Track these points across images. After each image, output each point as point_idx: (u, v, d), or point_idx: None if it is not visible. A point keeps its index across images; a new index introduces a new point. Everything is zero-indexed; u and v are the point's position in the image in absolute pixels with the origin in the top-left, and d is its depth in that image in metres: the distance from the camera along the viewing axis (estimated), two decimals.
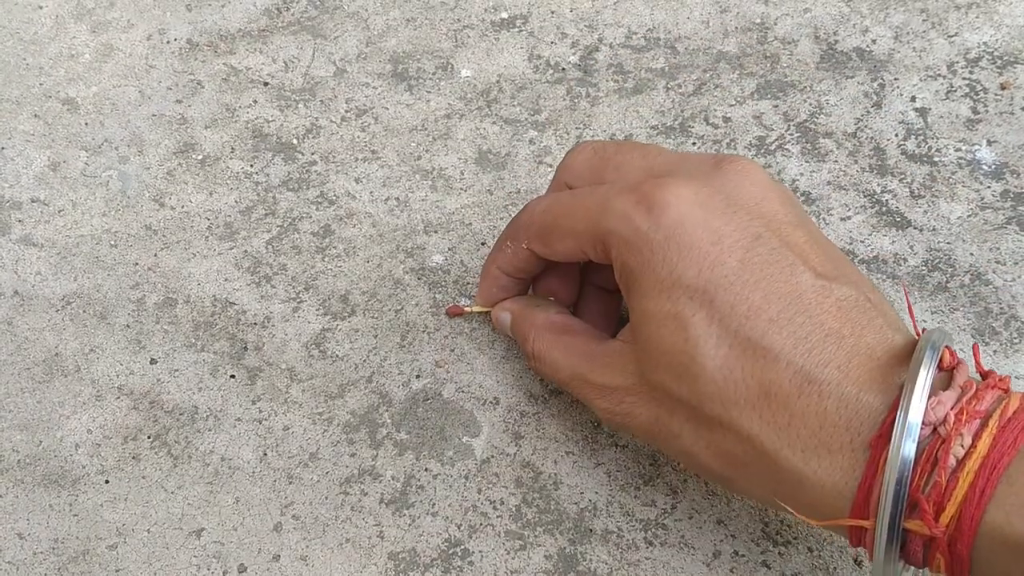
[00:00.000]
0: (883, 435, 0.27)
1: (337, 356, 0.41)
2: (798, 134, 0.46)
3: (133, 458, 0.39)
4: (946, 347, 0.29)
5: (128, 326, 0.42)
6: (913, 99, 0.47)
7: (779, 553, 0.36)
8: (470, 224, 0.44)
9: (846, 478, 0.28)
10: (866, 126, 0.46)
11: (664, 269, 0.30)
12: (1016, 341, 0.39)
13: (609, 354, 0.34)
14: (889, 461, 0.26)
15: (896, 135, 0.46)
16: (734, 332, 0.29)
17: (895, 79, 0.47)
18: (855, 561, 0.35)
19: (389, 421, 0.39)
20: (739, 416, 0.29)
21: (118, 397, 0.40)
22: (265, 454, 0.39)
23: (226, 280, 0.43)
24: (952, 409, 0.27)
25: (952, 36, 0.48)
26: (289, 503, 0.38)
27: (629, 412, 0.33)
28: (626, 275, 0.32)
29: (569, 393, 0.37)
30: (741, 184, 0.32)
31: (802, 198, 0.44)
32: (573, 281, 0.39)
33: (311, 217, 0.45)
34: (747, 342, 0.29)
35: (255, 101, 0.49)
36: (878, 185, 0.44)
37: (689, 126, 0.47)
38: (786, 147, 0.46)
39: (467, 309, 0.41)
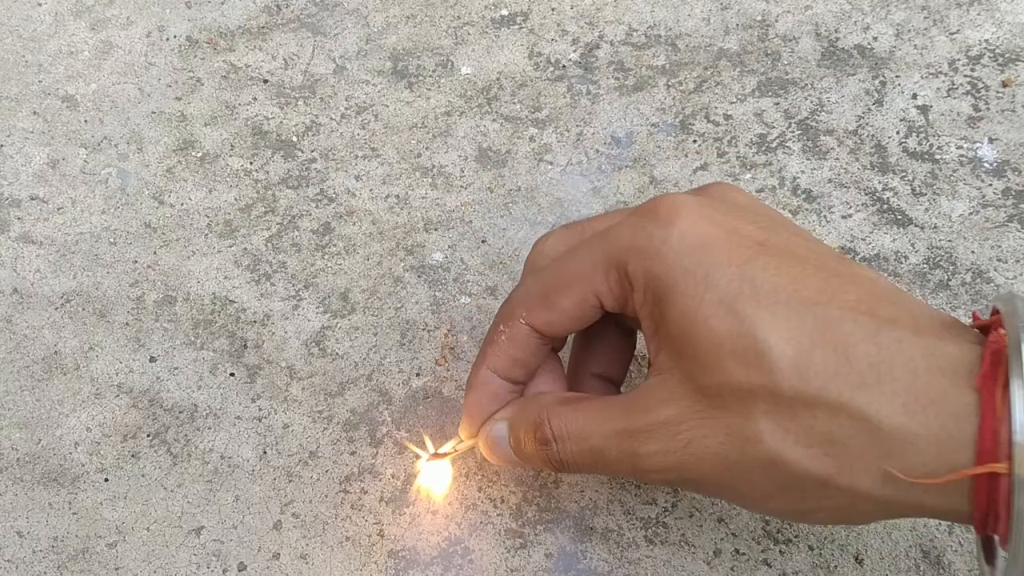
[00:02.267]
0: (987, 375, 0.26)
1: (337, 354, 0.41)
2: (799, 132, 0.46)
3: (132, 456, 0.39)
4: None
5: (127, 324, 0.42)
6: (914, 96, 0.47)
7: (780, 551, 0.36)
8: (470, 222, 0.44)
9: (961, 425, 0.26)
10: (867, 123, 0.46)
11: (695, 264, 0.29)
12: None
13: (646, 393, 0.30)
14: (1013, 400, 0.25)
15: (897, 133, 0.46)
16: (786, 302, 0.27)
17: (896, 76, 0.47)
18: (855, 559, 0.35)
19: (389, 419, 0.39)
20: (824, 386, 0.27)
21: (117, 395, 0.40)
22: (265, 452, 0.39)
23: (226, 278, 0.43)
24: None
25: (953, 33, 0.48)
26: (289, 501, 0.38)
27: (690, 442, 0.29)
28: (653, 284, 0.30)
29: (603, 470, 0.32)
30: (729, 193, 0.32)
31: (803, 196, 0.44)
32: (563, 379, 0.36)
33: (311, 215, 0.45)
34: (803, 309, 0.27)
35: (255, 98, 0.49)
36: (879, 183, 0.44)
37: (690, 123, 0.47)
38: (787, 145, 0.46)
39: (450, 451, 0.36)
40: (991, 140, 0.45)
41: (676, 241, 0.29)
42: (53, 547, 0.37)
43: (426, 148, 0.47)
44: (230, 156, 0.47)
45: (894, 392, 0.26)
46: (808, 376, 0.27)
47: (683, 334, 0.29)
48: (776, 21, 0.50)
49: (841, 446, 0.27)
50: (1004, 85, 0.46)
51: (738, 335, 0.27)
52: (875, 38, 0.49)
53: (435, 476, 0.37)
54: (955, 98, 0.46)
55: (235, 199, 0.46)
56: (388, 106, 0.48)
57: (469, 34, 0.50)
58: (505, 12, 0.51)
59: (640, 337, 0.37)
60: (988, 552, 0.28)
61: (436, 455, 0.36)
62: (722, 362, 0.28)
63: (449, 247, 0.44)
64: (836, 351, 0.27)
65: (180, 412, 0.40)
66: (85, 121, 0.49)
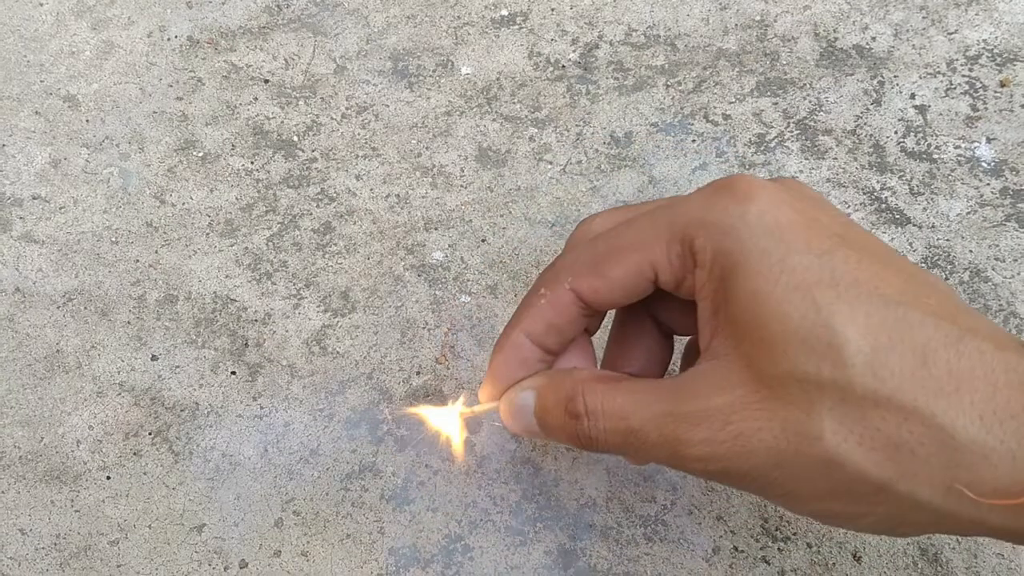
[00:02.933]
0: None
1: (338, 353, 0.41)
2: (798, 131, 0.46)
3: (134, 454, 0.39)
4: None
5: (129, 323, 0.42)
6: (913, 96, 0.47)
7: (778, 549, 0.36)
8: (470, 221, 0.45)
9: None
10: (866, 123, 0.46)
11: (773, 245, 0.27)
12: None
13: (696, 377, 0.28)
14: None
15: (896, 132, 0.46)
16: (866, 298, 0.26)
17: (895, 76, 0.47)
18: (854, 556, 0.35)
19: (389, 417, 0.39)
20: (898, 388, 0.25)
21: (119, 394, 0.40)
22: (266, 450, 0.39)
23: (227, 277, 0.43)
24: None
25: (952, 33, 0.48)
26: (290, 499, 0.38)
27: (741, 433, 0.27)
28: (722, 261, 0.28)
29: (635, 454, 0.30)
30: (803, 187, 0.31)
31: None
32: (594, 361, 0.34)
33: (311, 214, 0.45)
34: (884, 307, 0.26)
35: (256, 98, 0.49)
36: (877, 182, 0.44)
37: (689, 123, 0.47)
38: (786, 144, 0.46)
39: (466, 412, 0.34)
40: (989, 140, 0.45)
41: (754, 219, 0.28)
42: (55, 544, 0.37)
43: (426, 148, 0.47)
44: (231, 156, 0.47)
45: (972, 403, 0.25)
46: (883, 375, 0.25)
47: (750, 317, 0.27)
48: (775, 21, 0.50)
49: (907, 452, 0.25)
50: (1002, 85, 0.46)
51: (813, 324, 0.26)
52: (873, 38, 0.49)
53: (450, 430, 0.36)
54: (953, 98, 0.46)
55: (236, 198, 0.46)
56: (388, 106, 0.48)
57: (469, 34, 0.51)
58: (505, 12, 0.51)
59: (677, 339, 0.36)
60: None
61: (454, 411, 0.35)
62: (791, 350, 0.26)
63: (449, 246, 0.44)
64: (915, 353, 0.25)
65: (182, 410, 0.40)
66: (87, 121, 0.49)
